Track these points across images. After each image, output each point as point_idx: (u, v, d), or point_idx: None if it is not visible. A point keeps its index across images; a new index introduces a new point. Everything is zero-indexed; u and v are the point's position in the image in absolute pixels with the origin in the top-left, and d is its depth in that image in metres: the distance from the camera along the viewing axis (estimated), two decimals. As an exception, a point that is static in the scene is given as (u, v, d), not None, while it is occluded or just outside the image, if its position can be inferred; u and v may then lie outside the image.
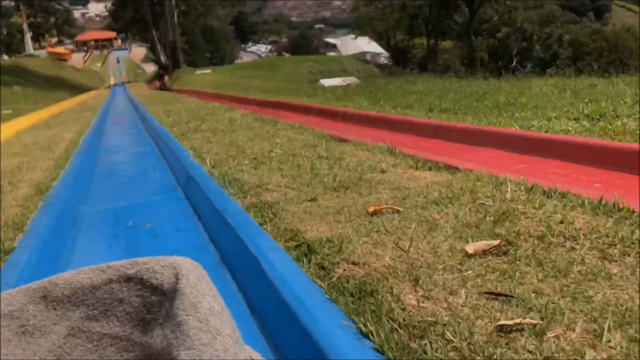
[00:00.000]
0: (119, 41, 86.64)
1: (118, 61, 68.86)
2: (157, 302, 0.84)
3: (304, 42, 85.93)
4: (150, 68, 65.92)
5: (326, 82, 15.39)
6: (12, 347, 0.77)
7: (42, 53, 69.12)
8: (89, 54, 78.30)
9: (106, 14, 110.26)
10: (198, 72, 35.96)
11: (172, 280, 0.84)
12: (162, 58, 43.52)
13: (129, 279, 0.86)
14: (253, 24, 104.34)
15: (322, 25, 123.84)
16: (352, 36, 71.94)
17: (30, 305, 0.82)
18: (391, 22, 45.60)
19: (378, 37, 49.81)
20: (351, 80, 15.67)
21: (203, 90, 18.96)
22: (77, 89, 39.88)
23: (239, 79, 25.60)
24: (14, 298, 0.83)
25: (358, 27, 54.84)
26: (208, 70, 36.94)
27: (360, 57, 45.22)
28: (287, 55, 78.65)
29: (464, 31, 41.58)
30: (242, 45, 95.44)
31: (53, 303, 0.84)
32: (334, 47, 75.92)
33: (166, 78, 36.62)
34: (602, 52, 37.95)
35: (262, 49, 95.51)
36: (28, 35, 66.82)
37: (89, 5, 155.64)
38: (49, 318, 0.82)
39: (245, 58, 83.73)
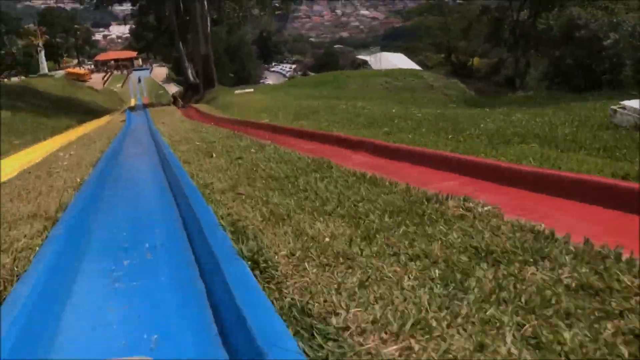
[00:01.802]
0: (140, 61, 78.33)
1: (139, 81, 60.26)
2: None
3: (330, 60, 77.52)
4: (173, 89, 57.25)
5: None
6: None
7: (59, 73, 60.53)
8: (109, 74, 69.65)
9: (128, 35, 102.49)
10: (238, 91, 26.93)
11: None
12: (191, 75, 34.56)
13: None
14: (276, 44, 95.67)
15: (340, 46, 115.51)
16: (386, 53, 63.92)
17: None
18: (455, 32, 36.53)
19: (436, 50, 40.63)
20: None
21: (272, 124, 9.85)
22: (91, 112, 30.91)
23: (311, 101, 16.45)
24: None
25: (414, 38, 46.04)
26: (250, 90, 27.89)
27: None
28: (312, 74, 70.50)
29: (549, 39, 32.24)
30: (266, 65, 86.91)
31: None
32: (364, 64, 67.09)
33: (180, 101, 28.58)
34: None
35: (287, 68, 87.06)
36: (42, 55, 58.17)
37: (111, 28, 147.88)
38: None
39: (269, 78, 75.73)
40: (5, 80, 53.75)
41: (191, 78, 34.35)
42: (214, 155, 5.06)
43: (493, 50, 37.68)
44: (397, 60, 62.91)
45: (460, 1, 36.84)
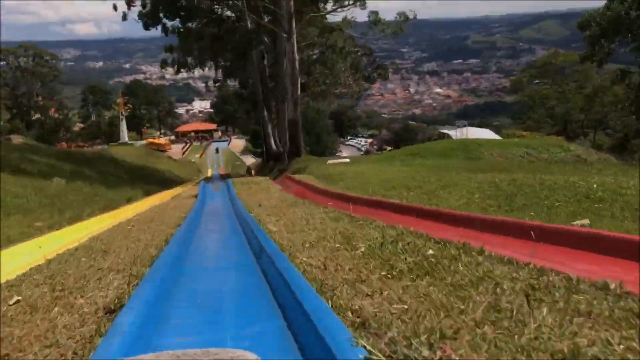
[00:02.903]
0: (219, 133, 76.23)
1: (217, 151, 57.06)
2: None
3: (408, 135, 73.56)
4: (250, 160, 53.48)
5: None
6: None
7: (140, 142, 58.36)
8: (188, 144, 67.30)
9: (209, 109, 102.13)
10: (331, 161, 21.80)
11: None
12: (274, 143, 29.92)
13: None
14: (352, 118, 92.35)
15: (413, 122, 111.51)
16: (472, 128, 59.25)
17: None
18: (575, 103, 30.51)
19: (553, 123, 34.46)
20: None
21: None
22: (164, 182, 26.55)
23: (456, 175, 10.77)
24: None
25: (524, 109, 40.27)
26: (345, 160, 22.73)
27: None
28: (389, 148, 66.57)
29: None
30: (341, 139, 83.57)
31: None
32: (448, 137, 61.78)
33: (252, 172, 27.43)
34: None
35: (362, 142, 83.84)
36: (123, 123, 56.22)
37: (194, 103, 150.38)
38: None
39: (344, 151, 71.92)
40: (87, 147, 51.51)
41: (274, 147, 29.70)
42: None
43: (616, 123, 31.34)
44: (485, 135, 57.31)
45: (578, 68, 30.93)
